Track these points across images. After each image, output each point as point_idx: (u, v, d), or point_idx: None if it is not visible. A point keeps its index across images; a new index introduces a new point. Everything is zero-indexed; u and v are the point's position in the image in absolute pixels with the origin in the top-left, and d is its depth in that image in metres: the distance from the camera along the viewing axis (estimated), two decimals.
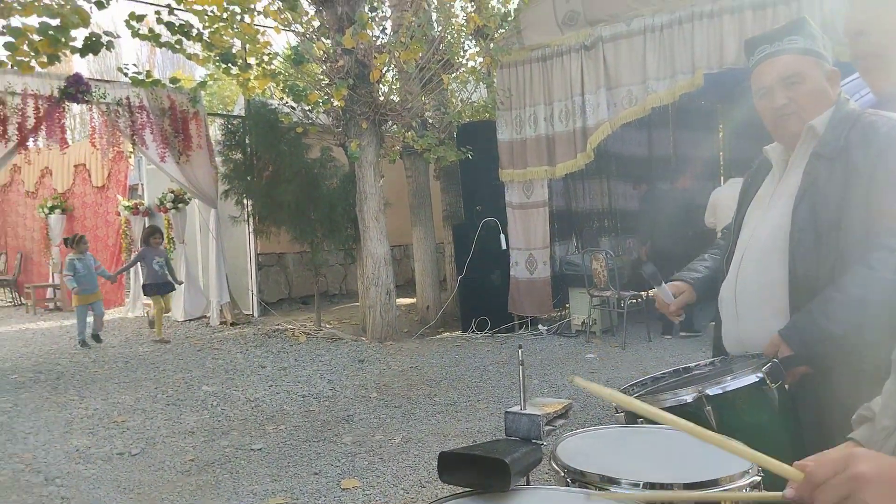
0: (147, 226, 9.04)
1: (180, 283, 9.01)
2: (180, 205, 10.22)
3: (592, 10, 7.39)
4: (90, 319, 8.22)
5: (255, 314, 10.12)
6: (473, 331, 8.24)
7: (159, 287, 8.36)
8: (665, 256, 6.87)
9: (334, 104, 7.83)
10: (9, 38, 5.05)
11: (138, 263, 8.77)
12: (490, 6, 7.93)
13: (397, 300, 8.47)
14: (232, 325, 9.30)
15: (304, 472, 4.02)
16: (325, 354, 7.20)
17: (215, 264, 9.03)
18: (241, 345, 7.85)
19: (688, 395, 1.51)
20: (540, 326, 8.12)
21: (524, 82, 7.95)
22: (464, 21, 7.90)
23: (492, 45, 7.72)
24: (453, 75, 7.95)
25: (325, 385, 5.98)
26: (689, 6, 6.73)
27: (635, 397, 1.49)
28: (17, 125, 7.07)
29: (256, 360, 7.00)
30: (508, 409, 1.51)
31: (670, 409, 1.52)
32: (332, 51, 7.57)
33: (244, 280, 10.29)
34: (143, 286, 8.56)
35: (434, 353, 7.22)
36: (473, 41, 8.26)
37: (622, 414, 1.60)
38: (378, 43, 7.45)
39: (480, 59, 8.04)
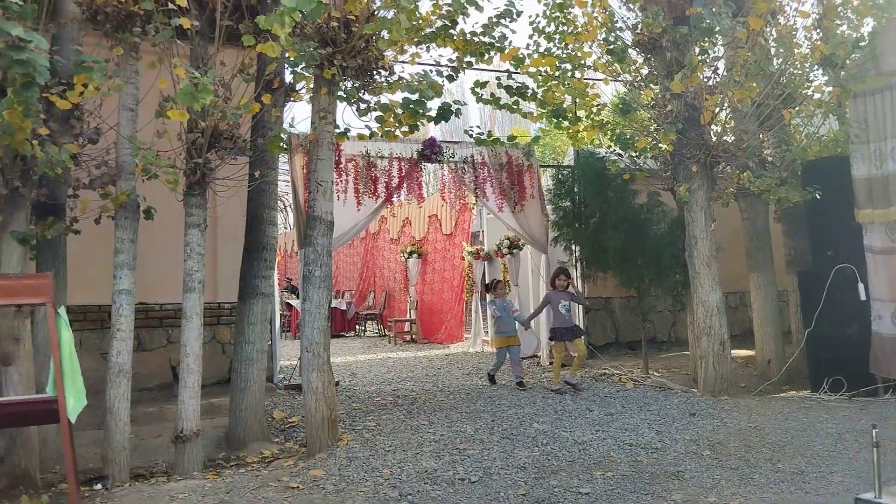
0: (558, 265, 8.47)
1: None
2: (515, 250, 11.06)
3: None
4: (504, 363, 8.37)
5: None
6: (825, 392, 7.27)
7: (568, 332, 7.83)
8: None
9: (662, 149, 7.77)
10: (379, 113, 5.94)
11: (547, 306, 8.12)
12: (839, 32, 7.11)
13: (733, 352, 7.92)
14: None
15: None
16: (654, 404, 7.03)
17: None
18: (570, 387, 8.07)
19: None
20: None
21: (884, 111, 6.94)
22: (808, 51, 7.22)
23: (842, 73, 6.92)
24: (796, 109, 7.29)
25: (652, 436, 5.84)
26: None
27: None
28: (384, 183, 8.41)
29: (584, 403, 7.12)
30: (860, 496, 1.38)
31: None
32: (659, 97, 7.54)
33: None
34: (551, 330, 8.08)
35: (777, 413, 6.56)
36: (820, 71, 7.49)
37: None
38: (709, 84, 7.20)
39: (828, 90, 7.25)
